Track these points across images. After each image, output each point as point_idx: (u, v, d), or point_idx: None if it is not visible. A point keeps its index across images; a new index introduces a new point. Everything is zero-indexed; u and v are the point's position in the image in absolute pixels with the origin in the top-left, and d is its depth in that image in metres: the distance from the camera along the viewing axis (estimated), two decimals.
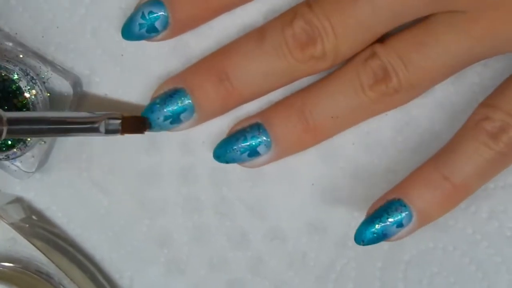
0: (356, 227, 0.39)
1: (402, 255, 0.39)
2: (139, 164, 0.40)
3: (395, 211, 0.36)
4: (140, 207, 0.40)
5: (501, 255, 0.39)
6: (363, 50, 0.36)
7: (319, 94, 0.37)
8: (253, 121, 0.37)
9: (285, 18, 0.36)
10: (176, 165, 0.40)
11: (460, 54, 0.35)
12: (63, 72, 0.39)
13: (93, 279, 0.40)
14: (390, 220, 0.36)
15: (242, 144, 0.37)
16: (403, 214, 0.36)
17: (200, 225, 0.40)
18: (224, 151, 0.37)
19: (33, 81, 0.37)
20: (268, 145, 0.37)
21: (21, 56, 0.38)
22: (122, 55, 0.39)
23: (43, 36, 0.39)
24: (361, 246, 0.39)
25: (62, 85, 0.38)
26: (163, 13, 0.36)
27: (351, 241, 0.39)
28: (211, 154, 0.38)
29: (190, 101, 0.37)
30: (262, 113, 0.38)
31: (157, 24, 0.36)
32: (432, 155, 0.38)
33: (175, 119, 0.37)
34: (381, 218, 0.36)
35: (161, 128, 0.37)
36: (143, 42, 0.38)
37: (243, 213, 0.40)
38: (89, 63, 0.39)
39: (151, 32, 0.36)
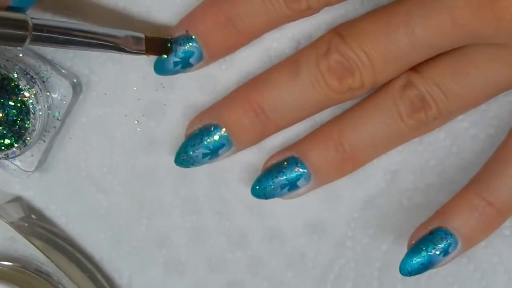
0: (355, 227, 0.39)
1: (401, 255, 0.39)
2: (138, 164, 0.40)
3: (441, 240, 0.36)
4: (139, 207, 0.40)
5: (499, 255, 0.39)
6: (398, 77, 0.36)
7: (356, 124, 0.36)
8: (289, 154, 0.37)
9: (319, 49, 0.35)
10: (174, 166, 0.40)
11: (498, 83, 0.35)
12: (63, 71, 0.39)
13: (92, 278, 0.40)
14: (436, 250, 0.36)
15: (281, 179, 0.37)
16: (449, 242, 0.36)
17: (199, 226, 0.40)
18: (263, 189, 0.37)
19: (33, 80, 0.37)
20: (307, 178, 0.37)
21: (20, 55, 0.38)
22: (121, 54, 0.39)
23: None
24: (361, 246, 0.40)
25: (62, 84, 0.38)
26: (197, 48, 0.36)
27: (350, 241, 0.40)
28: None
29: (227, 136, 0.36)
30: (298, 145, 0.38)
31: (192, 60, 0.36)
32: (430, 155, 0.38)
33: (213, 155, 0.37)
34: (427, 248, 0.36)
35: (200, 164, 0.37)
36: None
37: (242, 213, 0.40)
38: (88, 62, 0.39)
39: (186, 68, 0.36)
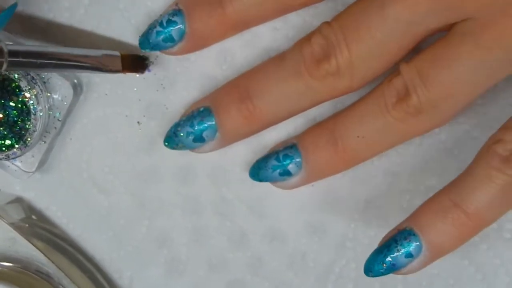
0: (356, 228, 0.39)
1: None
2: (139, 165, 0.40)
3: (404, 240, 0.35)
4: (140, 207, 0.40)
5: (500, 257, 0.39)
6: (393, 70, 0.35)
7: (348, 115, 0.36)
8: (289, 142, 0.38)
9: (305, 37, 0.36)
10: (175, 166, 0.40)
11: (474, 67, 0.33)
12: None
13: (93, 279, 0.40)
14: (398, 249, 0.35)
15: (274, 162, 0.37)
16: (413, 244, 0.35)
17: (200, 226, 0.40)
18: (257, 169, 0.38)
19: (34, 81, 0.37)
20: (299, 165, 0.37)
21: None
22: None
23: (43, 36, 0.39)
24: (361, 247, 0.39)
25: (62, 85, 0.38)
26: (180, 22, 0.36)
27: (351, 242, 0.40)
28: (211, 154, 0.38)
29: (213, 118, 0.37)
30: (299, 134, 0.38)
31: (174, 33, 0.36)
32: (431, 157, 0.38)
33: (197, 137, 0.37)
34: (389, 247, 0.35)
35: (184, 144, 0.37)
36: None
37: (243, 213, 0.40)
38: None
39: (167, 41, 0.36)
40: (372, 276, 0.35)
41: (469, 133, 0.38)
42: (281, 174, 0.37)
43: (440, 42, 0.34)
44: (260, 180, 0.38)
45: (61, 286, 0.39)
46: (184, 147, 0.37)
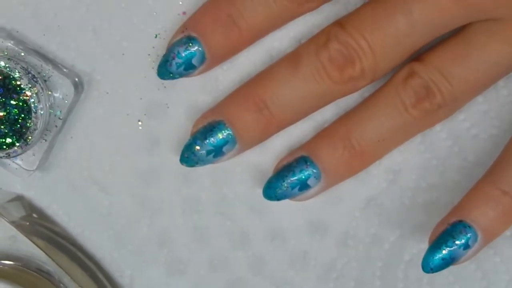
0: (357, 226, 0.39)
1: (403, 254, 0.40)
2: (140, 164, 0.40)
3: (460, 234, 0.35)
4: (141, 206, 0.40)
5: (500, 255, 0.39)
6: (400, 69, 0.36)
7: (362, 119, 0.36)
8: (298, 154, 0.37)
9: (319, 41, 0.35)
10: (176, 165, 0.40)
11: (501, 63, 0.35)
12: (64, 70, 0.39)
13: (94, 277, 0.40)
14: (456, 243, 0.35)
15: (291, 179, 0.37)
16: (469, 235, 0.35)
17: (201, 225, 0.40)
18: (274, 189, 0.37)
19: (34, 79, 0.37)
20: (317, 177, 0.37)
21: (22, 54, 0.38)
22: (123, 54, 0.39)
23: (44, 35, 0.39)
24: (361, 245, 0.40)
25: (63, 84, 0.38)
26: (198, 49, 0.36)
27: (352, 240, 0.40)
28: None
29: (231, 133, 0.36)
30: (307, 145, 0.38)
31: (194, 61, 0.36)
32: (432, 155, 0.39)
33: (218, 152, 0.36)
34: (447, 242, 0.35)
35: (205, 162, 0.37)
36: (142, 40, 0.39)
37: (244, 212, 0.40)
38: (90, 61, 0.39)
39: (189, 69, 0.36)
40: (432, 272, 0.36)
41: (469, 131, 0.38)
42: (300, 190, 0.37)
43: (459, 40, 0.35)
44: (279, 200, 0.37)
45: (61, 285, 0.38)
46: (204, 164, 0.37)
